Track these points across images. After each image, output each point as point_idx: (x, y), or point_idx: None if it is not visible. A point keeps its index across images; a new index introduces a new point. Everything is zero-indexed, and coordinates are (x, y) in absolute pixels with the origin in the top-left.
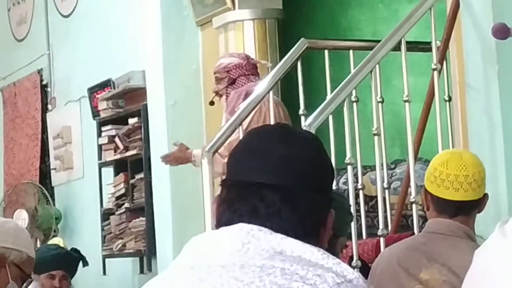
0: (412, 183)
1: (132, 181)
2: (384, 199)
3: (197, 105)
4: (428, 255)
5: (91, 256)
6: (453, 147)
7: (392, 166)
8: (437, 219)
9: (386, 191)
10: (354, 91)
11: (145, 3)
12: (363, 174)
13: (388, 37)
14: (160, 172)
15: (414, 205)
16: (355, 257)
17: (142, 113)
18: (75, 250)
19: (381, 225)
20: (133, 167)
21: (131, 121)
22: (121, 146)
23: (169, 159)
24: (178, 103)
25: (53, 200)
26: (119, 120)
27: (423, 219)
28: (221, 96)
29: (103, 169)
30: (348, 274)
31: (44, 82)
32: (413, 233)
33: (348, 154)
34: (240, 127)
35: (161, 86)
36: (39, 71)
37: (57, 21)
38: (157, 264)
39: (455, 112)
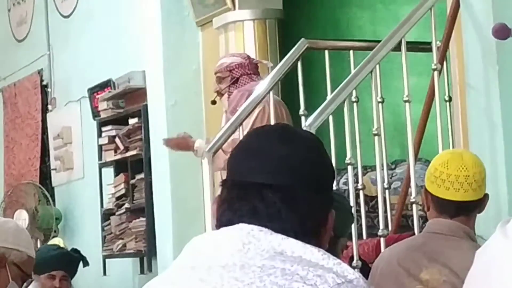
0: (412, 183)
1: (132, 181)
2: (384, 199)
3: (197, 106)
4: (429, 255)
5: (91, 256)
6: (453, 147)
7: (393, 166)
8: (437, 219)
9: (387, 191)
10: (354, 91)
11: (145, 3)
12: (364, 174)
13: (388, 37)
14: (161, 173)
15: (414, 205)
16: (355, 257)
17: (143, 114)
18: (75, 251)
19: (381, 225)
20: (134, 167)
21: (131, 121)
22: (121, 147)
23: (170, 143)
24: (178, 104)
25: (53, 200)
26: (119, 120)
27: (424, 219)
28: (222, 95)
29: (103, 170)
30: (349, 275)
31: (44, 83)
32: (414, 233)
33: (349, 154)
34: (241, 127)
35: (161, 87)
36: (39, 72)
37: (57, 21)
38: (158, 264)
39: (455, 112)
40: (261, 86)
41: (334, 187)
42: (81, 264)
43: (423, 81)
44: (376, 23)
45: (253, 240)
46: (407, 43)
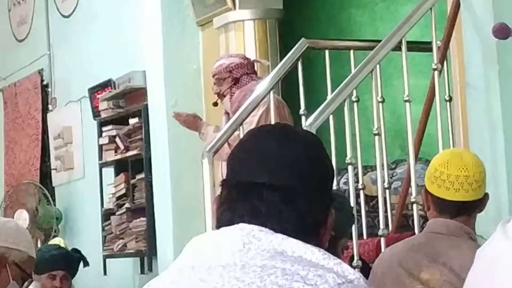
0: (412, 183)
1: (132, 181)
2: (384, 199)
3: (197, 105)
4: (429, 255)
5: (91, 256)
6: (453, 147)
7: (393, 166)
8: (437, 219)
9: (387, 191)
10: (354, 91)
11: (145, 3)
12: (364, 174)
13: (389, 37)
14: (161, 173)
15: (414, 205)
16: (355, 257)
17: (143, 113)
18: (75, 250)
19: (381, 225)
20: (134, 167)
21: (132, 121)
22: (121, 146)
23: (179, 118)
24: (178, 103)
25: (54, 200)
26: (120, 120)
27: (424, 219)
28: (224, 96)
29: (103, 169)
30: (349, 275)
31: (44, 83)
32: (414, 233)
33: (349, 154)
34: (241, 127)
35: (161, 86)
36: (40, 72)
37: (57, 21)
38: (158, 264)
39: (455, 112)
40: (262, 86)
41: (335, 187)
42: (81, 264)
43: (423, 81)
44: (376, 23)
45: (254, 240)
46: (408, 43)
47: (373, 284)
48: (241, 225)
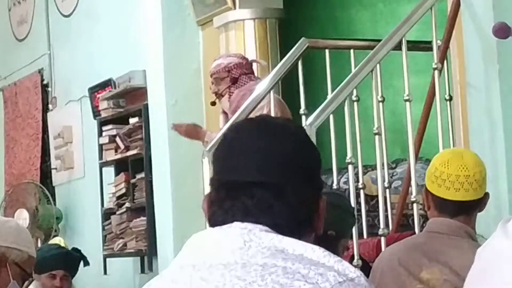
0: (413, 183)
1: (133, 180)
2: (385, 198)
3: (198, 105)
4: (429, 255)
5: (92, 255)
6: (453, 146)
7: (393, 166)
8: (438, 218)
9: (387, 190)
10: (355, 91)
11: (146, 3)
12: (364, 173)
13: (389, 36)
14: (161, 172)
15: (415, 205)
16: (356, 257)
17: (143, 113)
18: (76, 250)
19: (382, 225)
20: (134, 166)
21: (132, 120)
22: (122, 146)
23: (179, 129)
24: (179, 103)
25: (54, 199)
26: (120, 119)
27: (424, 218)
28: (222, 96)
29: (104, 169)
30: (350, 273)
31: (44, 82)
32: (414, 233)
33: (349, 154)
34: None
35: (161, 86)
36: (40, 71)
37: (57, 20)
38: (158, 263)
39: (456, 111)
40: (262, 85)
41: (335, 186)
42: (81, 263)
43: (423, 80)
44: (376, 22)
45: (254, 238)
46: (408, 42)
47: (373, 284)
48: (240, 223)
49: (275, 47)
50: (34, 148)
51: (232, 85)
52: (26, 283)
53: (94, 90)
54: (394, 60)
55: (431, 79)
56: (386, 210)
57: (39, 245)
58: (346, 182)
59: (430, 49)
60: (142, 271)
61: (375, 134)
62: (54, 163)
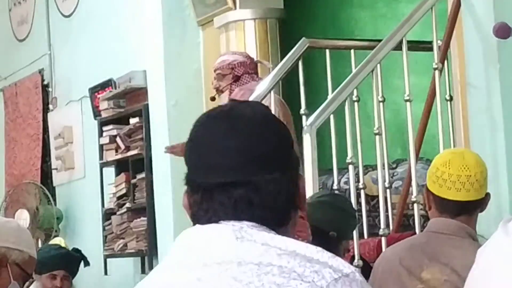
0: (413, 183)
1: (133, 181)
2: (385, 198)
3: (198, 105)
4: (430, 255)
5: (92, 256)
6: (454, 146)
7: (394, 166)
8: (439, 218)
9: (388, 190)
10: (355, 91)
11: (146, 3)
12: (365, 173)
13: (389, 36)
14: (162, 172)
15: (415, 205)
16: (356, 257)
17: (143, 113)
18: (76, 250)
19: (382, 225)
20: (134, 167)
21: (132, 121)
22: (122, 146)
23: (175, 150)
24: (179, 103)
25: (54, 200)
26: (120, 120)
27: (425, 218)
28: (222, 92)
29: (104, 169)
30: (344, 268)
31: (45, 82)
32: (415, 233)
33: (350, 154)
34: None
35: (162, 86)
36: (40, 71)
37: (58, 21)
38: (159, 264)
39: (456, 111)
40: (262, 85)
41: (335, 187)
42: (82, 263)
43: (424, 80)
44: (377, 22)
45: (246, 234)
46: (408, 42)
47: (374, 284)
48: (227, 222)
49: (275, 47)
50: (34, 149)
51: (234, 83)
52: (27, 283)
53: (94, 90)
54: (395, 60)
55: (431, 79)
56: (386, 210)
57: (40, 245)
58: (347, 182)
59: (431, 49)
60: (143, 271)
61: (376, 134)
62: (54, 163)
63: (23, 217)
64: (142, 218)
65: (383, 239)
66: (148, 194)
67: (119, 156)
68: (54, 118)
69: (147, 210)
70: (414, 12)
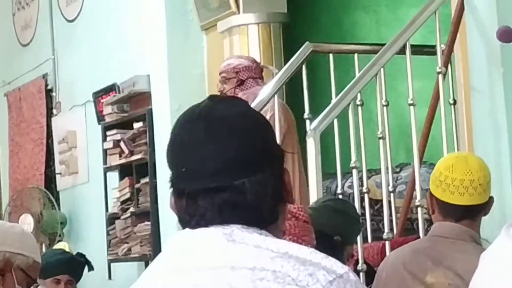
0: (417, 187)
1: (137, 185)
2: (389, 202)
3: None
4: (434, 259)
5: (96, 260)
6: (458, 150)
7: (397, 170)
8: (442, 222)
9: (391, 194)
10: (359, 95)
11: (150, 7)
12: (368, 177)
13: (393, 40)
14: (165, 176)
15: (419, 209)
16: (360, 261)
17: (147, 118)
18: (80, 255)
19: (386, 229)
20: (138, 171)
21: (136, 125)
22: (126, 151)
23: None
24: (182, 107)
25: (58, 204)
26: (124, 124)
27: (429, 222)
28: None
29: (108, 174)
30: (338, 269)
31: (49, 87)
32: (419, 237)
33: (353, 158)
34: None
35: (166, 91)
36: (44, 76)
37: (62, 25)
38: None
39: (460, 115)
40: (266, 89)
41: (339, 191)
42: (86, 268)
43: (427, 84)
44: (380, 27)
45: (237, 237)
46: (412, 46)
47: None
48: (215, 226)
49: (279, 51)
50: (38, 153)
51: (238, 87)
52: None
53: (98, 95)
54: (398, 64)
55: (435, 83)
56: (390, 214)
57: (44, 250)
58: (351, 187)
59: (434, 53)
60: None
61: (379, 138)
62: (58, 168)
63: (27, 222)
64: (146, 223)
65: (387, 243)
66: (152, 198)
67: (123, 161)
68: (58, 122)
69: (151, 214)
70: (418, 16)
